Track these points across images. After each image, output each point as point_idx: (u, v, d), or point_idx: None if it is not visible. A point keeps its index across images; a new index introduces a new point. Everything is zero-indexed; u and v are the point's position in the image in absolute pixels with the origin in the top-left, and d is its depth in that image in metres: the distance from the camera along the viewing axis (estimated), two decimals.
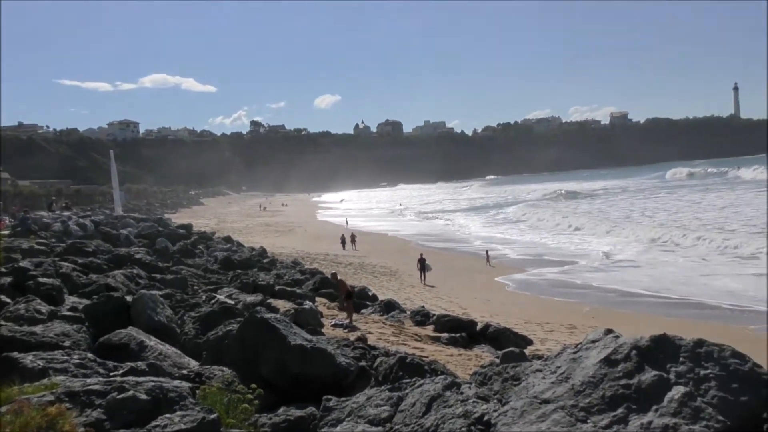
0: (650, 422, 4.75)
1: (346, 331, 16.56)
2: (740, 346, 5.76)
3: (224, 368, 7.88)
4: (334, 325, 17.38)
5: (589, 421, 4.94)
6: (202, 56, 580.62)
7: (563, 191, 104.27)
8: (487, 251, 39.18)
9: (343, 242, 49.22)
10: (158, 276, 20.49)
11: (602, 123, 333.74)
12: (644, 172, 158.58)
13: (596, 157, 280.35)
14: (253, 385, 6.82)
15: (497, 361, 9.55)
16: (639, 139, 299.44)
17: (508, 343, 16.14)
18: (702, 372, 5.04)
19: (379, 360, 8.95)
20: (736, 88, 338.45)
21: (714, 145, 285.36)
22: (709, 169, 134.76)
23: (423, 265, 33.01)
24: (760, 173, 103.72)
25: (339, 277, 21.49)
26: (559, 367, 5.68)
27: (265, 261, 32.50)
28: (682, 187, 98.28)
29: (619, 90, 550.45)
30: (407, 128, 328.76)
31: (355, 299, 22.96)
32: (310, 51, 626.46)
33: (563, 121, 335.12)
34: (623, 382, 5.13)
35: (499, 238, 51.00)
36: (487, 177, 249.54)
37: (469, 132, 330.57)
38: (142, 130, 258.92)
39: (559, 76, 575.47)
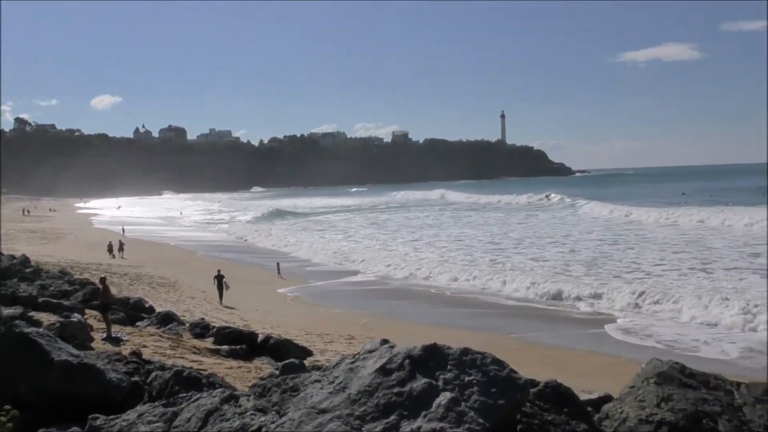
0: (419, 427, 5.01)
1: (120, 344, 15.62)
2: (501, 353, 6.28)
3: None
4: (105, 339, 16.35)
5: (363, 429, 5.09)
6: None
7: (276, 209, 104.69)
8: (278, 263, 39.04)
9: (111, 249, 46.76)
10: None
11: (385, 141, 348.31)
12: (405, 189, 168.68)
13: (379, 174, 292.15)
14: (8, 407, 6.20)
15: (277, 372, 9.53)
16: (418, 158, 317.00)
17: (288, 354, 16.16)
18: (466, 378, 5.42)
19: (153, 374, 8.53)
20: (503, 116, 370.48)
21: (483, 166, 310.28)
22: (427, 194, 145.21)
23: (220, 282, 29.74)
24: (465, 198, 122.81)
25: (107, 283, 20.12)
26: (337, 377, 5.80)
27: (27, 270, 29.67)
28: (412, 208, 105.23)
29: (402, 110, 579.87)
30: (191, 135, 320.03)
31: (129, 311, 21.81)
32: (88, 46, 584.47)
33: (348, 137, 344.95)
34: (396, 390, 5.35)
35: (283, 250, 51.07)
36: (253, 189, 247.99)
37: (255, 142, 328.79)
38: None
39: (346, 92, 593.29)
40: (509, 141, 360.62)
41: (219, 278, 29.84)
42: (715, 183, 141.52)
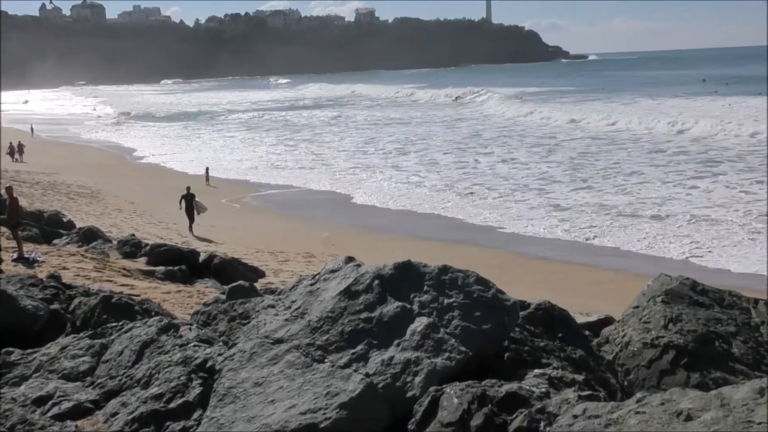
0: (392, 358, 5.04)
1: (35, 266, 15.51)
2: (483, 269, 6.32)
3: None
4: (17, 260, 16.20)
5: (326, 360, 5.12)
6: None
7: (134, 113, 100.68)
8: (207, 168, 38.59)
9: (12, 153, 46.57)
10: None
11: (347, 20, 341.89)
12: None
13: (337, 60, 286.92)
14: None
15: (223, 297, 9.56)
16: (387, 41, 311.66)
17: (236, 276, 16.19)
18: (446, 301, 5.43)
19: (77, 301, 8.50)
20: None
21: (464, 51, 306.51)
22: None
23: (190, 204, 26.26)
24: (444, 96, 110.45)
25: (15, 195, 19.66)
26: (294, 301, 5.80)
27: None
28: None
29: None
30: (111, 13, 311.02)
31: (44, 226, 21.56)
32: None
33: (303, 16, 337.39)
34: (364, 315, 5.36)
35: (220, 156, 50.48)
36: (162, 82, 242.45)
37: (190, 22, 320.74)
38: None
39: None
40: (496, 20, 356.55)
41: (188, 198, 26.55)
42: (719, 70, 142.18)
